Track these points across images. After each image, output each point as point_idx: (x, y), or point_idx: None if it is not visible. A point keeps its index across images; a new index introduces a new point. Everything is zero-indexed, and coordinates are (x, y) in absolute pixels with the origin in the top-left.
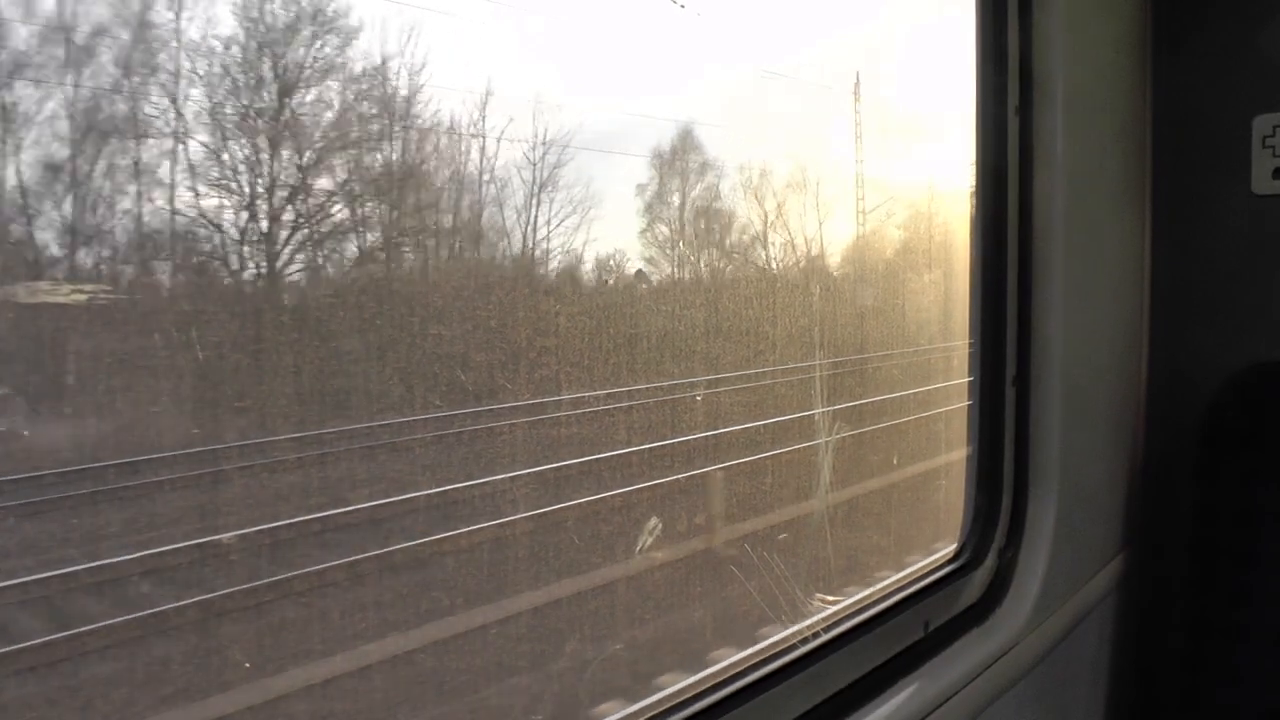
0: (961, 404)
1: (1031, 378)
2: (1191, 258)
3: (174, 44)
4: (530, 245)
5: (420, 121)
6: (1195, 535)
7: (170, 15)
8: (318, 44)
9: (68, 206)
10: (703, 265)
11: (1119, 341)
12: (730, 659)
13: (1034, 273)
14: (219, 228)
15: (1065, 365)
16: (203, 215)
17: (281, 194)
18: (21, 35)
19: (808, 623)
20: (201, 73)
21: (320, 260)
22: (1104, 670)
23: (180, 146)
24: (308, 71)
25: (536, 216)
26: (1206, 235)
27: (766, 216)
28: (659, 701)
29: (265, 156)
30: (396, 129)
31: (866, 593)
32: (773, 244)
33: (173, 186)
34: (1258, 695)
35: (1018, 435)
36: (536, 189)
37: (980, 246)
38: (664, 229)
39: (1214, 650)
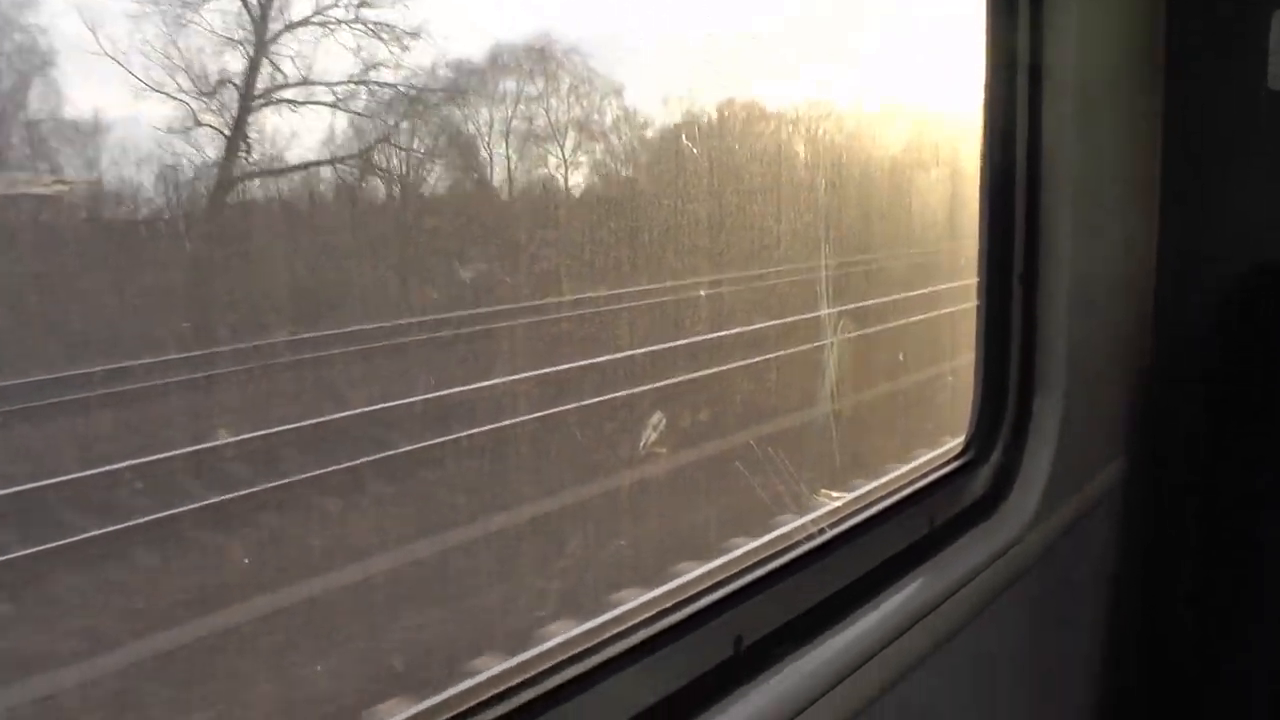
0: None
1: (1039, 275)
2: (1202, 158)
3: None
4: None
5: None
6: (1200, 434)
7: None
8: None
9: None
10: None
11: (1127, 242)
12: (737, 552)
13: (1043, 172)
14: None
15: (1073, 264)
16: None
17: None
18: None
19: (813, 517)
20: None
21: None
22: (1107, 566)
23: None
24: None
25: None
26: (1217, 135)
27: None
28: (678, 589)
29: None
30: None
31: (872, 486)
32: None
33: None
34: (1258, 592)
35: (1024, 333)
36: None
37: (989, 144)
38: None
39: (1217, 548)
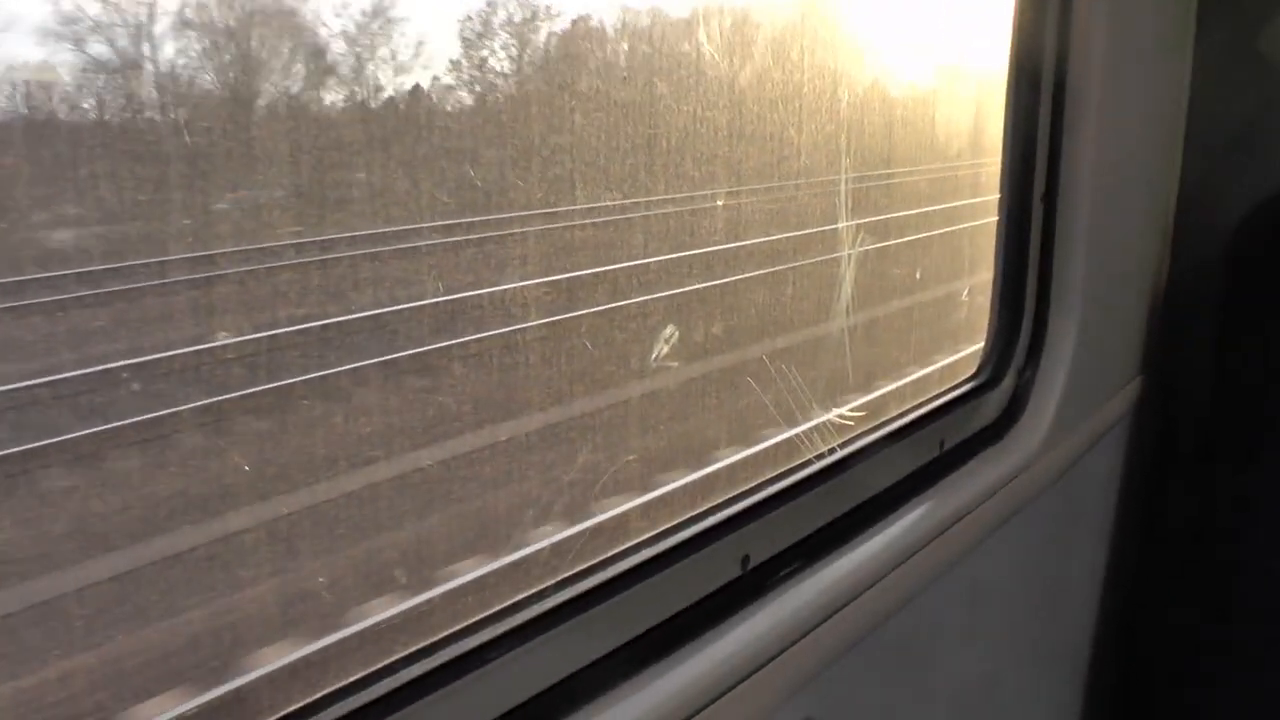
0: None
1: (1060, 195)
2: (1230, 83)
3: None
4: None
5: None
6: (1213, 362)
7: None
8: None
9: None
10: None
11: (1151, 164)
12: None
13: (1067, 93)
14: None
15: (1094, 184)
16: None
17: None
18: None
19: (817, 423)
20: None
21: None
22: (1115, 493)
23: None
24: None
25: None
26: (1246, 61)
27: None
28: (686, 509)
29: None
30: None
31: (875, 394)
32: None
33: None
34: (1267, 521)
35: (1043, 254)
36: None
37: (1015, 62)
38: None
39: (1225, 477)
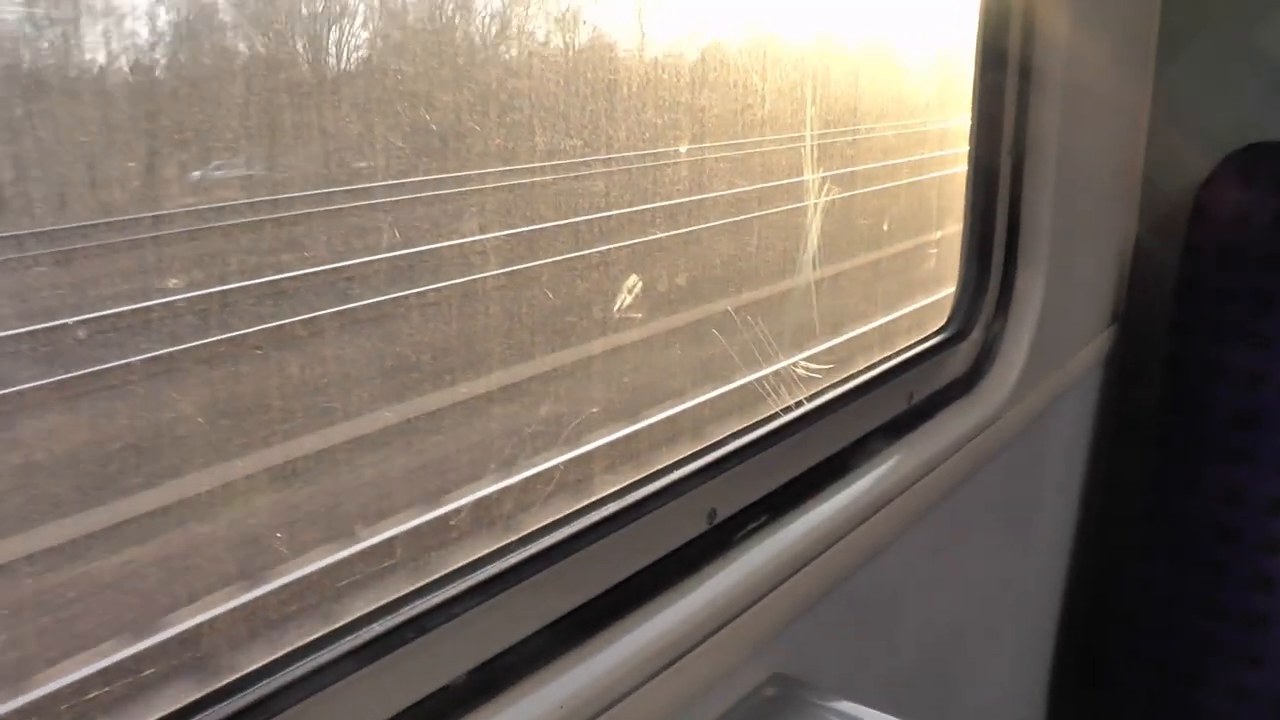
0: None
1: (1028, 147)
2: (1200, 35)
3: None
4: None
5: None
6: (1177, 313)
7: None
8: None
9: None
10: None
11: (1119, 115)
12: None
13: (1036, 45)
14: None
15: (1063, 137)
16: None
17: None
18: None
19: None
20: None
21: None
22: (1084, 444)
23: None
24: None
25: None
26: (1213, 15)
27: None
28: (672, 465)
29: None
30: None
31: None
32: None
33: None
34: (1230, 469)
35: (1011, 207)
36: None
37: (984, 15)
38: None
39: (1186, 427)
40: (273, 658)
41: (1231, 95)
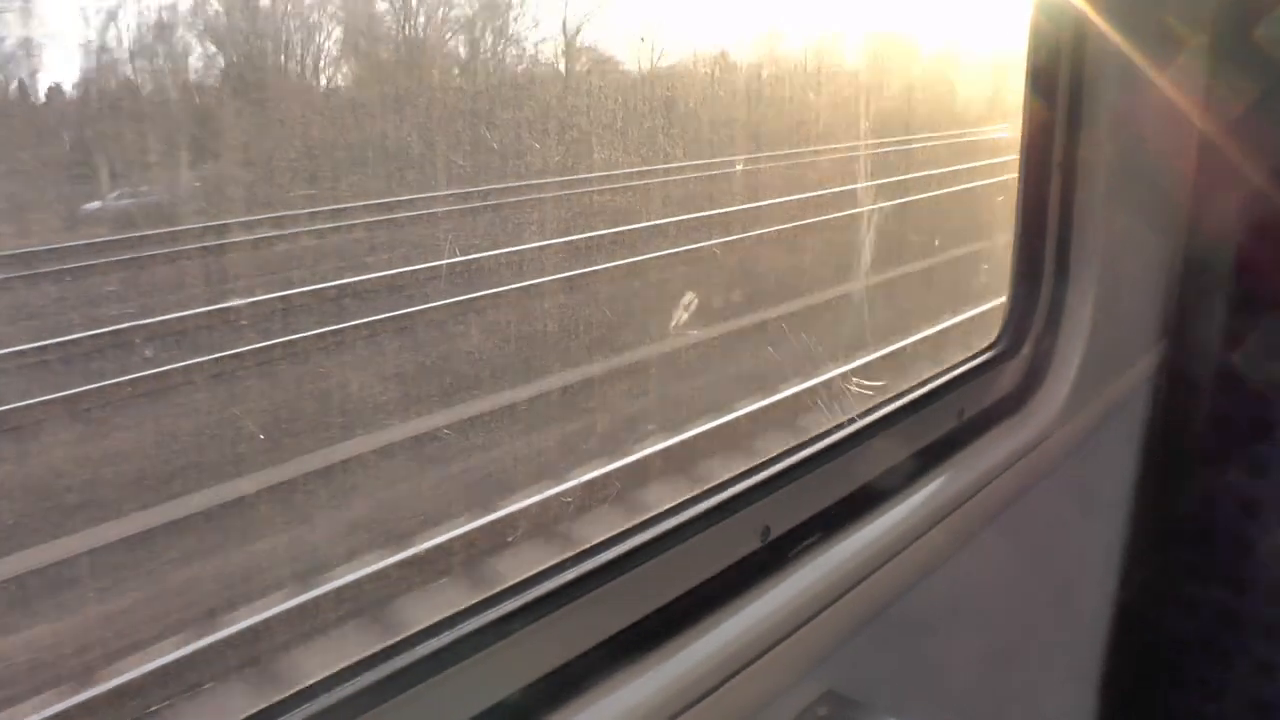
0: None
1: (1078, 162)
2: (1252, 52)
3: None
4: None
5: None
6: (1230, 328)
7: None
8: None
9: None
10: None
11: (1169, 130)
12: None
13: (1086, 60)
14: None
15: (1113, 150)
16: None
17: None
18: None
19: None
20: None
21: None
22: (1134, 462)
23: None
24: None
25: None
26: (1271, 24)
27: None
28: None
29: None
30: None
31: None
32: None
33: None
34: (1276, 485)
35: (1061, 222)
36: None
37: (1035, 28)
38: None
39: (1244, 446)
40: (351, 662)
41: None
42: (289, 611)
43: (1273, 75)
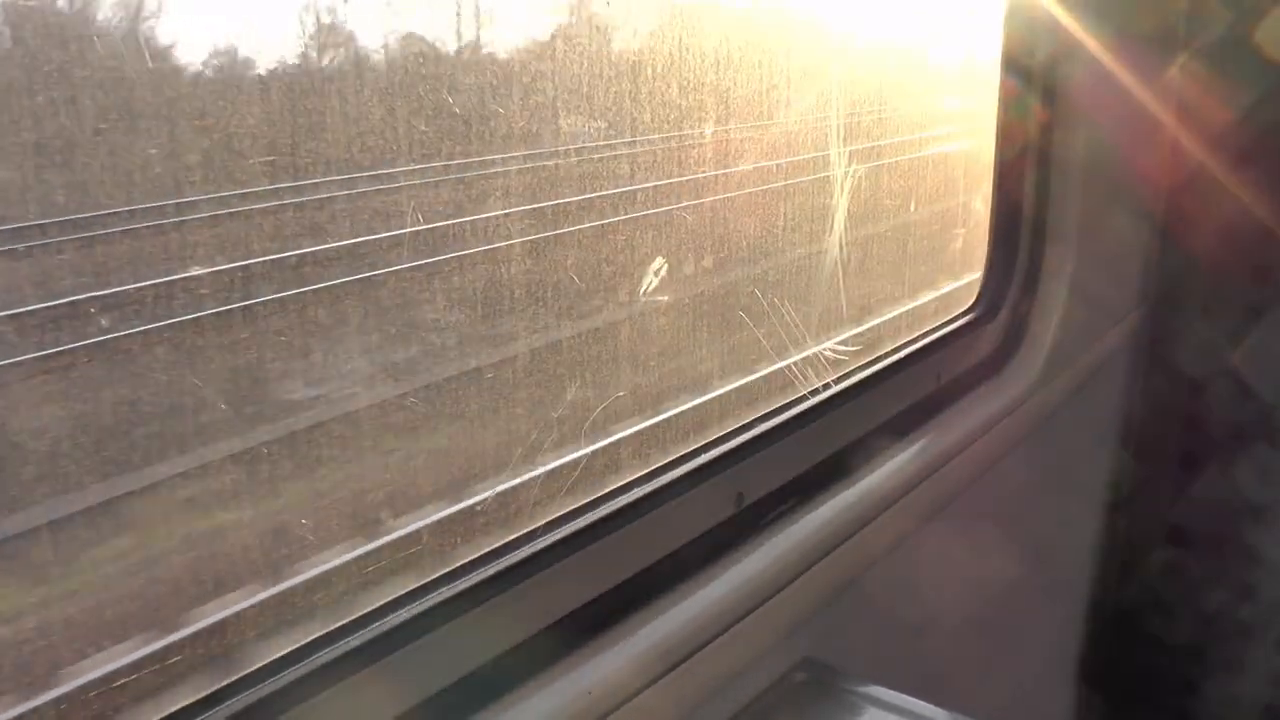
0: None
1: (1056, 125)
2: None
3: None
4: None
5: None
6: (1207, 294)
7: None
8: None
9: None
10: None
11: (1148, 93)
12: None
13: (1065, 19)
14: None
15: (1092, 115)
16: None
17: None
18: None
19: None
20: None
21: None
22: (1114, 427)
23: None
24: None
25: None
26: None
27: None
28: (698, 450)
29: None
30: None
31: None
32: None
33: None
34: (1263, 452)
35: (1039, 187)
36: None
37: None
38: None
39: (1221, 407)
40: (303, 642)
41: (1263, 65)
42: None
43: (1251, 35)
